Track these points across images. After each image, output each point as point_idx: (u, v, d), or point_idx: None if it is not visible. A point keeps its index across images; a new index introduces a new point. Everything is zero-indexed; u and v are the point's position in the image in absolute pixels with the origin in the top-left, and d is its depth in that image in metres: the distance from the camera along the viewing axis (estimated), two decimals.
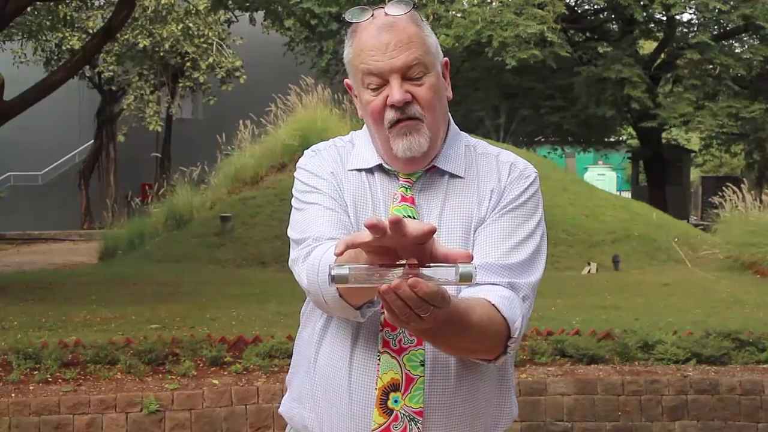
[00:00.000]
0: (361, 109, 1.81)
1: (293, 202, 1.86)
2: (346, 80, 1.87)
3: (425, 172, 1.81)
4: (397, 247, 1.42)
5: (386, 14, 1.75)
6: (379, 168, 1.83)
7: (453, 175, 1.82)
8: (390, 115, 1.74)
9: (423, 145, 1.75)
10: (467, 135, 1.91)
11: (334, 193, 1.80)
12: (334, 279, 1.40)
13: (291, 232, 1.83)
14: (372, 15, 1.76)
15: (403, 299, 1.37)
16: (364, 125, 1.89)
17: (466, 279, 1.39)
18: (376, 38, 1.74)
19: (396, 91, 1.72)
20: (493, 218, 1.78)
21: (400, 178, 1.81)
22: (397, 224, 1.37)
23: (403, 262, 1.42)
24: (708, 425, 5.49)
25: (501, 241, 1.75)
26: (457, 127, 1.89)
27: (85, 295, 8.90)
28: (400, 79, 1.73)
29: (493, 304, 1.64)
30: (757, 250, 11.56)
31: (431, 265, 1.42)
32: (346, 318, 1.72)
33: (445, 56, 1.85)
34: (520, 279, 1.73)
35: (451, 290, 1.51)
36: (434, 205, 1.79)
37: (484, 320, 1.61)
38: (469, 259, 1.44)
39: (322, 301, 1.68)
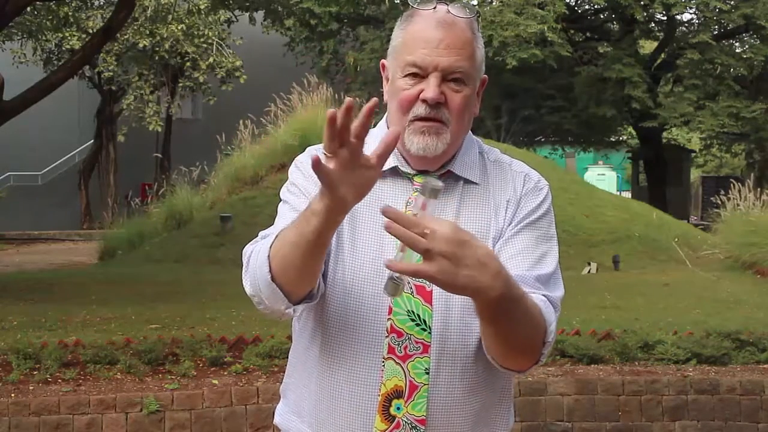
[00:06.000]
0: (390, 93, 1.78)
1: (281, 191, 1.83)
2: (383, 60, 1.84)
3: (440, 176, 1.78)
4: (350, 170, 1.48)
5: (448, 11, 1.73)
6: (393, 171, 1.79)
7: (468, 181, 1.80)
8: (419, 109, 1.72)
9: (439, 148, 1.73)
10: (480, 141, 1.89)
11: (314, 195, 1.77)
12: (394, 292, 1.48)
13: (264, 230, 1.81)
14: (435, 7, 1.74)
15: (396, 229, 1.41)
16: (379, 123, 1.86)
17: (436, 190, 1.48)
18: (432, 32, 1.71)
19: (431, 90, 1.70)
20: (512, 232, 1.77)
21: (414, 182, 1.78)
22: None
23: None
24: (708, 425, 5.49)
25: (526, 254, 1.75)
26: (471, 133, 1.87)
27: (85, 295, 8.90)
28: (440, 78, 1.71)
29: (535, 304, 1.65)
30: (757, 250, 11.56)
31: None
32: (277, 312, 1.69)
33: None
34: (551, 292, 1.74)
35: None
36: (448, 210, 1.77)
37: (535, 308, 1.63)
38: (395, 137, 1.52)
39: (259, 292, 1.66)
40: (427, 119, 1.72)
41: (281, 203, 1.81)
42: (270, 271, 1.62)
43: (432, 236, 1.41)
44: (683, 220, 19.63)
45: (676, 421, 5.48)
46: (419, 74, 1.72)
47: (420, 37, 1.72)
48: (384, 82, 1.83)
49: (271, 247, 1.63)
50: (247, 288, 1.71)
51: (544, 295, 1.71)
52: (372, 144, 1.82)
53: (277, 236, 1.63)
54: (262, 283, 1.64)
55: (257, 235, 1.77)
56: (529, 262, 1.74)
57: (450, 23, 1.72)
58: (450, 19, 1.72)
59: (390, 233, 1.42)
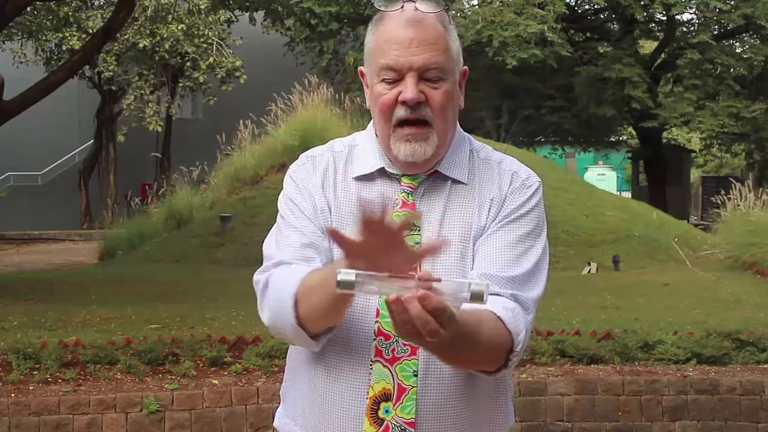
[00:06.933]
0: (371, 100, 1.77)
1: (278, 202, 1.84)
2: (360, 67, 1.83)
3: (428, 176, 1.77)
4: (379, 251, 1.44)
5: (416, 9, 1.71)
6: (381, 172, 1.79)
7: (455, 181, 1.78)
8: (399, 112, 1.70)
9: (428, 152, 1.72)
10: (472, 138, 1.86)
11: (311, 211, 1.77)
12: (340, 284, 1.39)
13: (267, 238, 1.81)
14: (402, 7, 1.72)
15: (410, 314, 1.36)
16: (369, 125, 1.85)
17: (477, 298, 1.38)
18: (402, 32, 1.69)
19: (410, 90, 1.68)
20: (494, 228, 1.75)
21: (402, 183, 1.77)
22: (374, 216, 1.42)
23: (414, 274, 1.42)
24: (708, 425, 5.48)
25: (502, 252, 1.72)
26: (462, 130, 1.85)
27: (85, 295, 8.90)
28: (417, 78, 1.69)
29: (499, 317, 1.62)
30: (757, 250, 11.55)
31: (443, 279, 1.41)
32: (303, 347, 1.72)
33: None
34: (523, 292, 1.70)
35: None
36: (435, 211, 1.75)
37: (491, 335, 1.59)
38: (441, 246, 1.48)
39: (283, 330, 1.68)
40: (411, 122, 1.70)
41: (281, 218, 1.81)
42: (297, 317, 1.63)
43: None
44: (683, 220, 19.61)
45: (676, 421, 5.48)
46: (396, 77, 1.70)
47: (390, 39, 1.70)
48: (365, 89, 1.81)
49: (296, 293, 1.63)
50: (266, 320, 1.73)
51: (514, 296, 1.68)
52: (361, 146, 1.83)
53: (303, 281, 1.63)
54: (287, 328, 1.66)
55: (264, 258, 1.78)
56: (504, 261, 1.71)
57: (419, 20, 1.70)
58: (419, 17, 1.70)
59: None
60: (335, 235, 1.46)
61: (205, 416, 5.07)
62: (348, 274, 1.39)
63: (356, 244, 1.45)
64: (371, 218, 1.41)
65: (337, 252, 1.75)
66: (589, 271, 12.05)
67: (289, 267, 1.70)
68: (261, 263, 1.81)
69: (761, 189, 13.35)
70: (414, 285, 1.38)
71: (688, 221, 22.74)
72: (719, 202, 13.60)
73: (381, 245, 1.44)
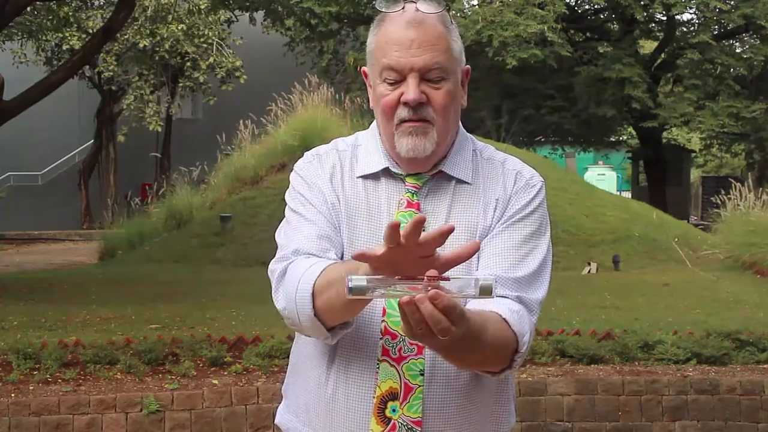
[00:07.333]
0: (374, 101, 1.79)
1: (287, 199, 1.85)
2: (363, 68, 1.84)
3: (432, 176, 1.78)
4: (404, 261, 1.43)
5: (417, 9, 1.72)
6: (386, 172, 1.80)
7: (460, 181, 1.79)
8: (402, 112, 1.71)
9: (428, 148, 1.72)
10: (474, 138, 1.88)
11: (322, 206, 1.78)
12: (351, 291, 1.41)
13: (278, 233, 1.83)
14: (403, 7, 1.73)
15: (422, 313, 1.37)
16: (371, 125, 1.86)
17: (486, 292, 1.40)
18: (403, 33, 1.70)
19: (411, 91, 1.69)
20: (499, 229, 1.76)
21: (406, 183, 1.78)
22: (396, 229, 1.40)
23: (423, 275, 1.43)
24: (708, 425, 5.49)
25: (508, 253, 1.74)
26: (465, 130, 1.86)
27: (85, 295, 8.90)
28: (418, 78, 1.70)
29: (504, 319, 1.63)
30: (757, 250, 11.55)
31: (451, 278, 1.42)
32: (317, 338, 1.72)
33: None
34: (528, 294, 1.72)
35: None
36: (440, 211, 1.77)
37: (497, 336, 1.60)
38: (476, 248, 1.47)
39: (297, 320, 1.68)
40: (412, 120, 1.72)
41: (291, 212, 1.81)
42: (314, 307, 1.63)
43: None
44: (683, 220, 19.61)
45: (676, 421, 5.48)
46: (397, 77, 1.71)
47: (392, 40, 1.71)
48: (368, 89, 1.83)
49: (315, 283, 1.64)
50: (280, 307, 1.72)
51: (519, 298, 1.69)
52: (365, 146, 1.84)
53: (322, 274, 1.64)
54: (303, 317, 1.66)
55: (278, 247, 1.78)
56: (509, 262, 1.73)
57: (419, 21, 1.71)
58: (419, 18, 1.71)
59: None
60: (362, 257, 1.45)
61: (205, 416, 5.07)
62: (360, 280, 1.41)
63: (383, 258, 1.44)
64: (401, 234, 1.41)
65: (348, 246, 1.76)
66: (589, 271, 12.05)
67: (308, 258, 1.71)
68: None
69: (761, 189, 13.34)
70: (423, 285, 1.40)
71: (688, 221, 22.73)
72: (719, 202, 13.60)
73: (409, 258, 1.44)
